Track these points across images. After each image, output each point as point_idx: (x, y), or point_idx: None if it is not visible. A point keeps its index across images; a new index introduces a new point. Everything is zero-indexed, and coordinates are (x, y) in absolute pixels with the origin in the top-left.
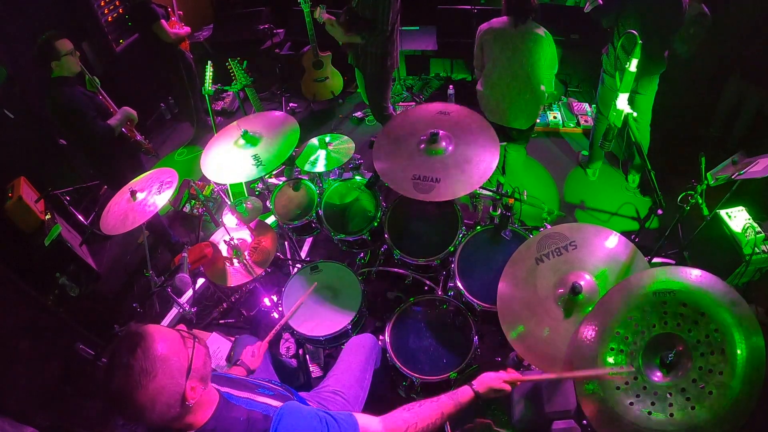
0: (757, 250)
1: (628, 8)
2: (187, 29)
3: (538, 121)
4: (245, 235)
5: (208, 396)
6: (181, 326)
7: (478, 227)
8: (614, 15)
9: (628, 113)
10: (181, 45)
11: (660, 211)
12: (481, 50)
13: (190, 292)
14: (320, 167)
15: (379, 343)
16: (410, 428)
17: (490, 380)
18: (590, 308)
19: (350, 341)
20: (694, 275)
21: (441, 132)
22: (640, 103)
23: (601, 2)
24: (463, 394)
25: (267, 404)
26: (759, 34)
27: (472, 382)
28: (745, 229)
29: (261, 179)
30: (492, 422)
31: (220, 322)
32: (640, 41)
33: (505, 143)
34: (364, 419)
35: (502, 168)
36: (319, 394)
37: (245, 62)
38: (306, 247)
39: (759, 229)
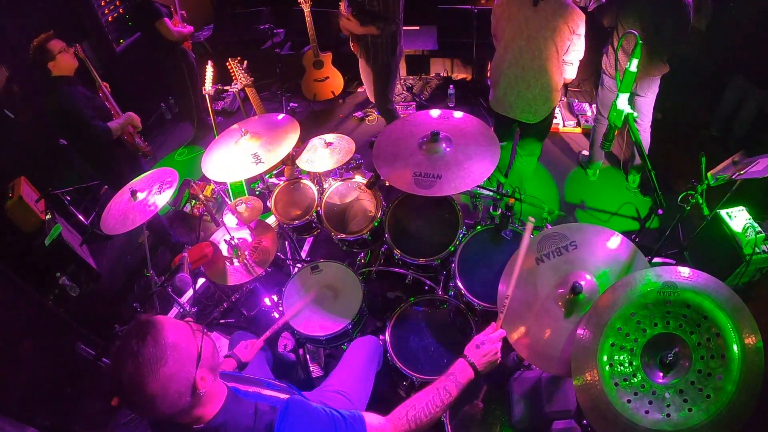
0: (758, 250)
1: (628, 6)
2: (190, 28)
3: (555, 119)
4: (245, 234)
5: (217, 389)
6: (188, 318)
7: (479, 227)
8: (614, 13)
9: (628, 113)
10: (184, 44)
11: (660, 211)
12: (496, 22)
13: (190, 292)
14: (320, 167)
15: (380, 342)
16: (409, 412)
17: (477, 341)
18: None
19: (353, 343)
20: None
21: (442, 133)
22: (640, 106)
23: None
24: (459, 368)
25: (274, 397)
26: (761, 36)
27: (464, 353)
28: (745, 229)
29: (261, 179)
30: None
31: (221, 321)
32: (640, 41)
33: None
34: (370, 417)
35: (506, 172)
36: (322, 393)
37: (245, 62)
38: (306, 247)
39: (759, 229)
